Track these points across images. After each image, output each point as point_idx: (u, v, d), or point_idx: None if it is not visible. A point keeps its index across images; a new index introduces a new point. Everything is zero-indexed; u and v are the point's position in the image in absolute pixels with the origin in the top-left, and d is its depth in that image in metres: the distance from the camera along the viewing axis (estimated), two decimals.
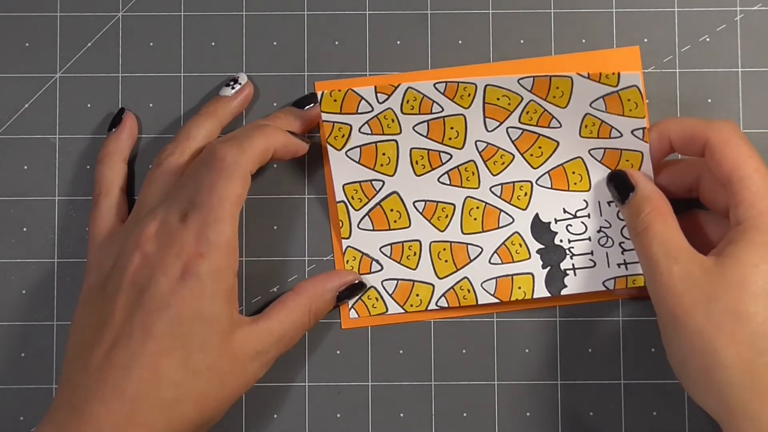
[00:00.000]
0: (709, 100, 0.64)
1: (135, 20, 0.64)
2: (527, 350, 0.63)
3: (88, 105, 0.64)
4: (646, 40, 0.64)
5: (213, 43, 0.64)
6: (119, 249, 0.57)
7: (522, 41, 0.64)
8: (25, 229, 0.63)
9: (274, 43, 0.64)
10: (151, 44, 0.64)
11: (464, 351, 0.63)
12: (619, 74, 0.60)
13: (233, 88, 0.63)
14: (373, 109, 0.63)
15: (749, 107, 0.63)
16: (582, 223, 0.63)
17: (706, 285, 0.54)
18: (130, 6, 0.64)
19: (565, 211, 0.63)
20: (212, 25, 0.64)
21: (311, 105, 0.63)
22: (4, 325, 0.63)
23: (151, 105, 0.64)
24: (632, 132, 0.61)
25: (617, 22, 0.64)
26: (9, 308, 0.63)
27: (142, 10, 0.64)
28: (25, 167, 0.64)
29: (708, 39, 0.64)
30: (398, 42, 0.64)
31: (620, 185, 0.60)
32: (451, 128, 0.63)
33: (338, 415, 0.63)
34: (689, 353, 0.54)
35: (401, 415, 0.63)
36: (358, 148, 0.63)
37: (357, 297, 0.63)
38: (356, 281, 0.62)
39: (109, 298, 0.56)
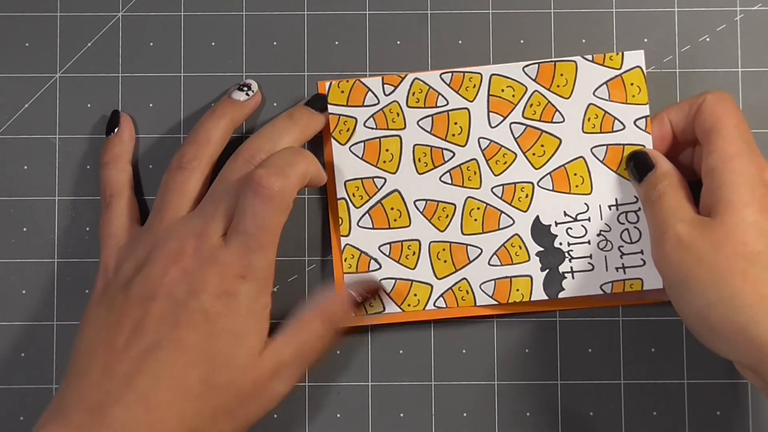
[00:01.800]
0: None
1: (135, 20, 0.65)
2: (527, 350, 0.63)
3: (88, 105, 0.64)
4: (646, 40, 0.64)
5: (213, 43, 0.64)
6: (144, 254, 0.58)
7: (522, 41, 0.64)
8: (25, 229, 0.64)
9: (274, 43, 0.64)
10: (151, 44, 0.64)
11: (464, 351, 0.63)
12: (623, 54, 0.62)
13: (246, 94, 0.63)
14: (379, 102, 0.63)
15: (749, 107, 0.63)
16: (582, 226, 0.63)
17: (709, 236, 0.55)
18: (130, 6, 0.65)
19: (565, 214, 0.63)
20: (212, 25, 0.64)
21: (325, 108, 0.63)
22: (4, 325, 0.63)
23: (151, 105, 0.64)
24: (635, 122, 0.62)
25: (617, 22, 0.64)
26: (9, 308, 0.63)
27: (142, 10, 0.65)
28: (25, 167, 0.64)
29: (708, 39, 0.64)
30: (398, 42, 0.64)
31: (640, 164, 0.61)
32: (455, 123, 0.63)
33: (338, 415, 0.63)
34: (707, 306, 0.55)
35: (401, 415, 0.63)
36: (362, 144, 0.63)
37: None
38: (370, 281, 0.62)
39: (136, 303, 0.56)
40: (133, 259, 0.58)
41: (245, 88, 0.63)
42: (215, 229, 0.57)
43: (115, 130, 0.63)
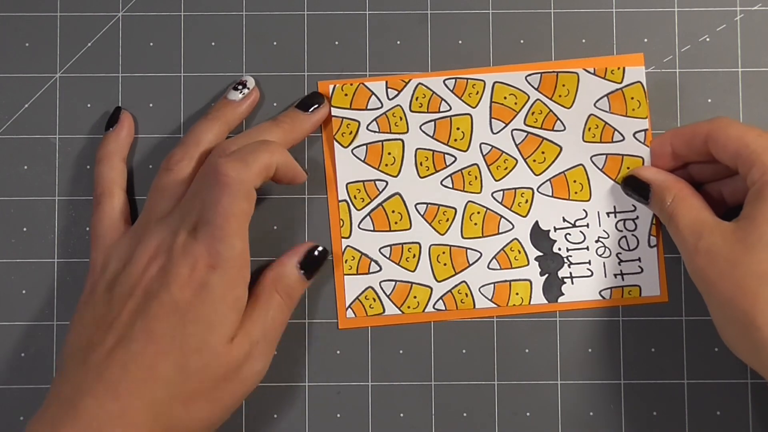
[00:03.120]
0: (709, 100, 0.64)
1: (135, 20, 0.64)
2: (527, 350, 0.63)
3: (88, 105, 0.64)
4: (646, 40, 0.64)
5: (213, 43, 0.64)
6: (129, 254, 0.58)
7: (522, 41, 0.64)
8: (25, 229, 0.63)
9: (274, 43, 0.64)
10: (151, 44, 0.64)
11: (464, 351, 0.63)
12: (624, 69, 0.63)
13: (242, 92, 0.63)
14: (382, 105, 0.63)
15: (749, 107, 0.63)
16: (581, 232, 0.63)
17: (728, 252, 0.55)
18: (130, 6, 0.64)
19: (564, 220, 0.63)
20: (212, 25, 0.64)
21: (316, 106, 0.63)
22: (4, 325, 0.63)
23: (151, 105, 0.64)
24: (634, 135, 0.62)
25: (617, 22, 0.64)
26: (9, 308, 0.63)
27: (142, 10, 0.64)
28: (25, 167, 0.64)
29: (708, 39, 0.64)
30: (398, 42, 0.64)
31: (637, 188, 0.61)
32: (457, 129, 0.63)
33: (338, 415, 0.63)
34: (725, 320, 0.56)
35: (401, 415, 0.63)
36: (365, 147, 0.63)
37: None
38: (314, 248, 0.61)
39: (117, 301, 0.56)
40: (119, 260, 0.58)
41: (240, 87, 0.63)
42: (186, 224, 0.57)
43: (114, 126, 0.63)
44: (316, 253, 0.61)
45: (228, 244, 0.56)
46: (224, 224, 0.56)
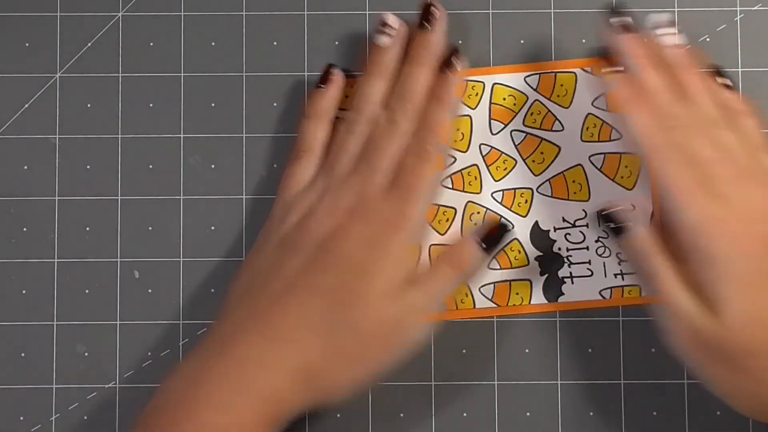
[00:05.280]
0: None
1: (135, 20, 0.64)
2: (527, 350, 0.63)
3: (88, 105, 0.64)
4: (646, 40, 0.64)
5: (213, 43, 0.64)
6: (306, 209, 0.60)
7: (522, 41, 0.64)
8: (25, 229, 0.63)
9: (274, 43, 0.64)
10: (151, 44, 0.64)
11: (464, 351, 0.63)
12: None
13: (388, 35, 0.62)
14: None
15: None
16: (580, 232, 0.63)
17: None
18: (130, 6, 0.64)
19: (564, 220, 0.63)
20: (212, 25, 0.64)
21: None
22: (4, 325, 0.63)
23: (151, 105, 0.64)
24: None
25: None
26: (9, 308, 0.63)
27: (142, 10, 0.64)
28: (25, 167, 0.64)
29: (708, 39, 0.64)
30: None
31: (613, 223, 0.60)
32: (457, 130, 0.63)
33: (339, 415, 0.63)
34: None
35: (401, 415, 0.63)
36: None
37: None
38: (496, 224, 0.61)
39: (289, 253, 0.58)
40: (295, 214, 0.60)
41: (384, 27, 0.62)
42: (372, 183, 0.59)
43: (326, 84, 0.63)
44: (490, 225, 0.61)
45: (417, 209, 0.58)
46: (421, 188, 0.58)
